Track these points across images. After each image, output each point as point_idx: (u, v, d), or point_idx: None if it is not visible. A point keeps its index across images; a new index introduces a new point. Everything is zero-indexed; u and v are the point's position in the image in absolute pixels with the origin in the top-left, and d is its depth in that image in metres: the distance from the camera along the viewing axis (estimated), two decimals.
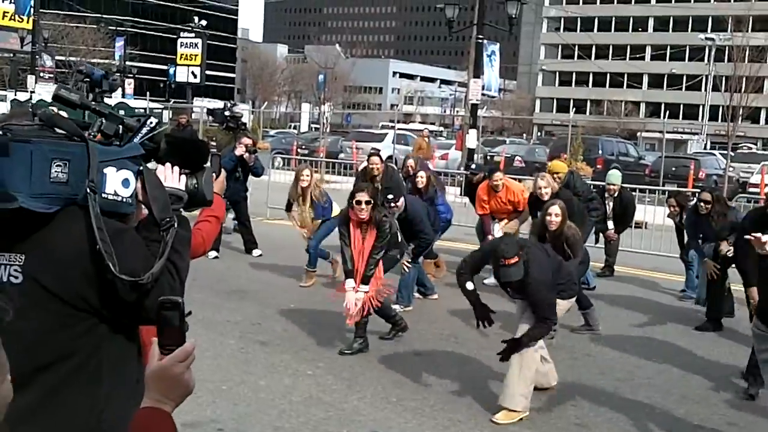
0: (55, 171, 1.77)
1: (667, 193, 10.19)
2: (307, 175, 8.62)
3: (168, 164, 2.07)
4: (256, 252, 10.17)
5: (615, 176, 9.94)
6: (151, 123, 2.00)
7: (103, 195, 1.83)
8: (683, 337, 7.38)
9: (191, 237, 2.07)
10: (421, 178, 8.67)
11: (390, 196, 7.28)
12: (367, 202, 6.05)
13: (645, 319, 7.98)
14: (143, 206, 1.96)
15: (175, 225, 1.93)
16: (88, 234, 1.80)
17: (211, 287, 7.93)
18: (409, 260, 7.41)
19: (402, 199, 7.38)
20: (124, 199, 1.88)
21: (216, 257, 9.41)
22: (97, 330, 1.85)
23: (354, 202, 6.05)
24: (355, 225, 6.20)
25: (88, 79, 2.11)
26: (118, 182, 1.86)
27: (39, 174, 1.75)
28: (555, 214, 6.19)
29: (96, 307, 1.83)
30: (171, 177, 2.07)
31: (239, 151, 9.55)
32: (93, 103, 2.06)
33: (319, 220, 8.63)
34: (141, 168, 1.93)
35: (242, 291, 8.26)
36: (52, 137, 1.80)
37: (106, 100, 2.20)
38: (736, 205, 11.20)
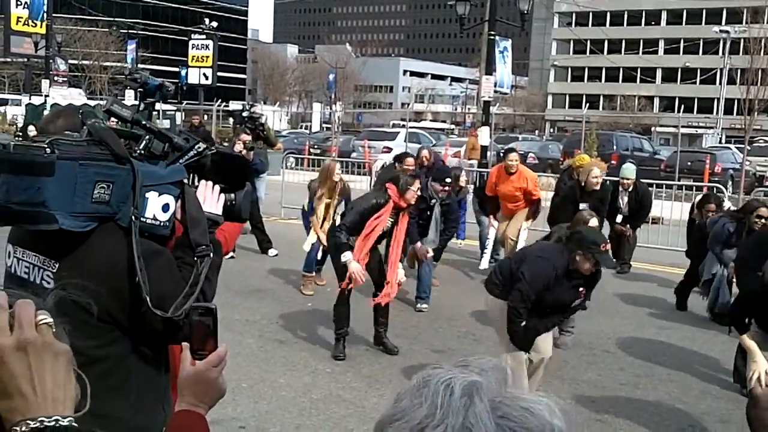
0: (98, 192, 1.77)
1: (698, 197, 9.20)
2: (339, 170, 8.52)
3: (209, 183, 2.08)
4: (272, 252, 10.18)
5: (629, 170, 9.87)
6: (199, 147, 2.00)
7: (142, 219, 1.84)
8: (701, 333, 7.34)
9: (222, 261, 2.08)
10: (465, 180, 9.18)
11: (448, 180, 7.86)
12: (419, 190, 6.35)
13: (663, 315, 7.94)
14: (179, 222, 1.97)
15: (211, 254, 1.93)
16: (126, 253, 1.81)
17: (229, 287, 7.95)
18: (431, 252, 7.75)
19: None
20: (162, 223, 1.88)
21: (232, 257, 9.43)
22: (123, 340, 1.87)
23: (414, 188, 6.19)
24: (388, 211, 6.25)
25: (141, 89, 2.10)
26: (158, 207, 1.87)
27: (82, 194, 1.75)
28: (594, 226, 5.77)
29: (122, 324, 1.85)
30: (210, 199, 2.07)
31: (237, 147, 9.46)
32: (145, 111, 2.04)
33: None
34: (182, 189, 1.93)
35: (260, 290, 8.29)
36: (99, 155, 1.78)
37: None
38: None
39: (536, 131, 55.56)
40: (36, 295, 1.01)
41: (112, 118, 1.98)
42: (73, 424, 0.92)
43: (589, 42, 72.55)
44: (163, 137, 1.94)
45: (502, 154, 9.59)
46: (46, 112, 13.01)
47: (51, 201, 1.71)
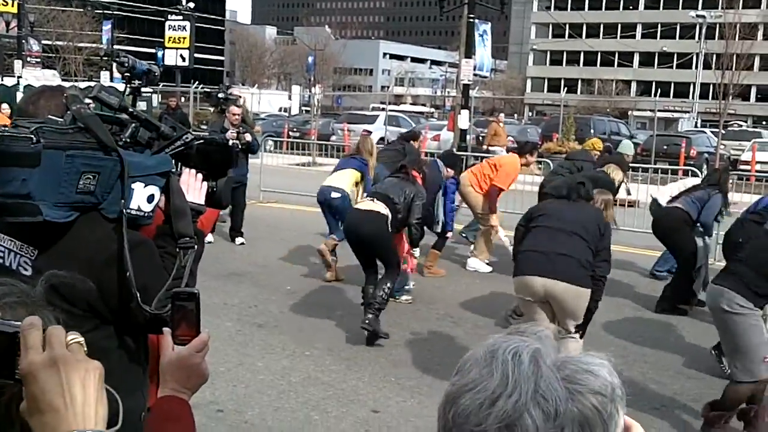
0: (84, 182, 1.74)
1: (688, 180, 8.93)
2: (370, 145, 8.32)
3: (192, 171, 2.06)
4: (239, 240, 9.88)
5: (628, 146, 9.99)
6: (186, 138, 1.98)
7: (127, 210, 1.82)
8: (675, 314, 7.44)
9: (203, 250, 2.07)
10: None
11: (459, 166, 8.22)
12: None
13: (639, 297, 8.04)
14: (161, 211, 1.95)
15: (195, 246, 1.92)
16: (110, 244, 1.79)
17: (207, 271, 7.89)
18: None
19: None
20: (146, 214, 1.86)
21: (210, 242, 9.35)
22: (104, 328, 1.86)
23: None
24: None
25: (128, 73, 2.07)
26: (143, 198, 1.85)
27: (67, 185, 1.72)
28: None
29: (101, 314, 1.83)
30: (194, 187, 2.05)
31: (230, 134, 9.04)
32: (131, 96, 2.01)
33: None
34: (168, 179, 1.91)
35: (238, 274, 8.27)
36: (84, 144, 1.74)
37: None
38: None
39: (515, 115, 55.67)
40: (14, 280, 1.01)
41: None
42: None
43: (567, 26, 72.74)
44: (151, 125, 1.91)
45: (519, 147, 9.61)
46: (19, 94, 12.75)
47: (35, 192, 1.67)
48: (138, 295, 1.75)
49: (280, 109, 42.68)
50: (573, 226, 4.84)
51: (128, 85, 2.06)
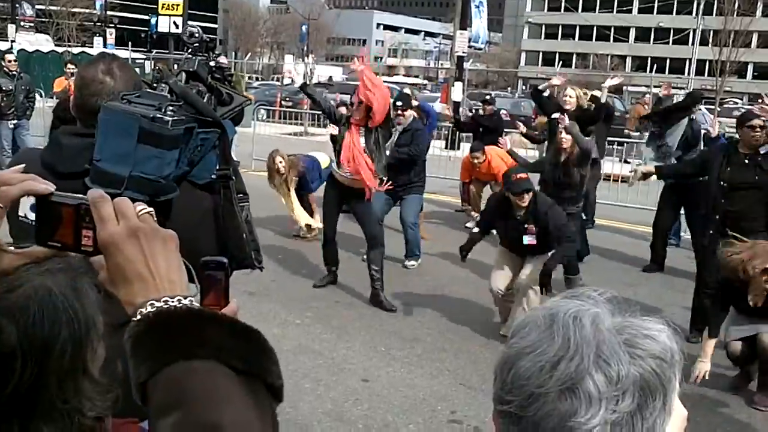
0: (193, 154, 1.80)
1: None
2: (281, 162, 8.46)
3: None
4: None
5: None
6: (248, 103, 2.08)
7: (213, 176, 1.95)
8: (667, 290, 7.47)
9: None
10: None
11: (399, 103, 7.21)
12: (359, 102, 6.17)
13: (629, 272, 8.07)
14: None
15: (248, 202, 2.06)
16: (203, 208, 1.93)
17: None
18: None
19: (410, 111, 7.44)
20: (214, 176, 1.99)
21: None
22: None
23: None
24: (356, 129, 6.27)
25: (197, 44, 2.17)
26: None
27: (183, 159, 1.77)
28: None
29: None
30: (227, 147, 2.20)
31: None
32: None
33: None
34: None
35: None
36: (191, 118, 1.77)
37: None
38: None
39: (509, 88, 55.45)
40: None
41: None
42: (194, 304, 0.94)
43: None
44: (218, 93, 1.98)
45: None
46: (10, 56, 12.44)
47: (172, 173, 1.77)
48: (254, 255, 1.93)
49: (271, 78, 42.37)
50: None
51: (196, 55, 2.15)
